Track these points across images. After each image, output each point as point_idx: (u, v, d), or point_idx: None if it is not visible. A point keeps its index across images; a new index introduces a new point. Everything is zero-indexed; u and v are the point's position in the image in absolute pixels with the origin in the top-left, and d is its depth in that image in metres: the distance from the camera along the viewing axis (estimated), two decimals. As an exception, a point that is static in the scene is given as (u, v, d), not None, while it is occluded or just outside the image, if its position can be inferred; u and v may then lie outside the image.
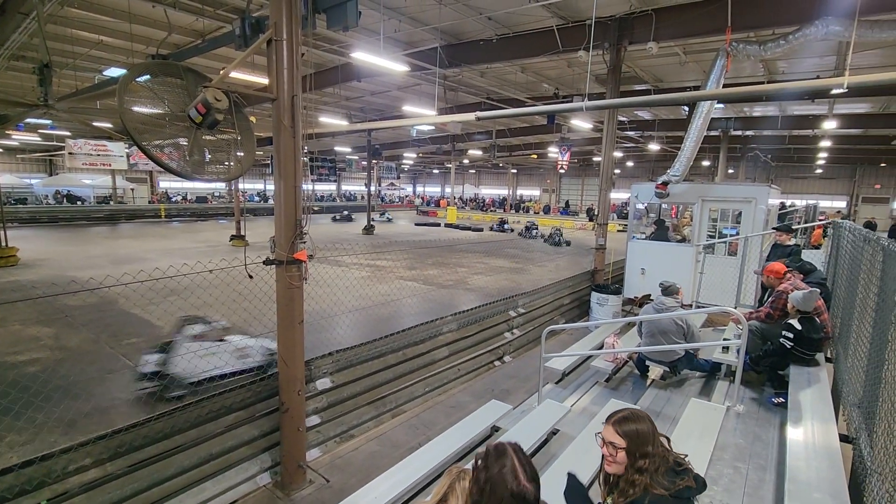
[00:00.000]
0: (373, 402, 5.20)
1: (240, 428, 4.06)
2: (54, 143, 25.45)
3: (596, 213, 11.21)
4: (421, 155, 35.05)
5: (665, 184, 8.59)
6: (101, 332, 8.00)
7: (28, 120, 17.87)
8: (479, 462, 1.52)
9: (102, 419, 5.18)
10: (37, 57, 10.13)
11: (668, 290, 5.01)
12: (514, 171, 45.14)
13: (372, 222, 24.88)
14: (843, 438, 3.27)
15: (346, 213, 32.95)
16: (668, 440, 1.84)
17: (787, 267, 5.16)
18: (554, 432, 4.25)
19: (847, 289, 4.67)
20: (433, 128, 20.85)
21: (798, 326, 4.25)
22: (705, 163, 25.87)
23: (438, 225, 30.32)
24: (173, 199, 36.33)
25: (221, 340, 5.64)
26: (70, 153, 20.97)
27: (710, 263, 7.68)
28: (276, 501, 4.01)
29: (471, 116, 5.75)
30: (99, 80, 13.42)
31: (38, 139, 25.70)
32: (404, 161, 39.09)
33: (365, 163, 28.06)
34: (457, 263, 15.22)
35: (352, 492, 3.37)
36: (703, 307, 6.53)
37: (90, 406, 5.45)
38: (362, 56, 8.63)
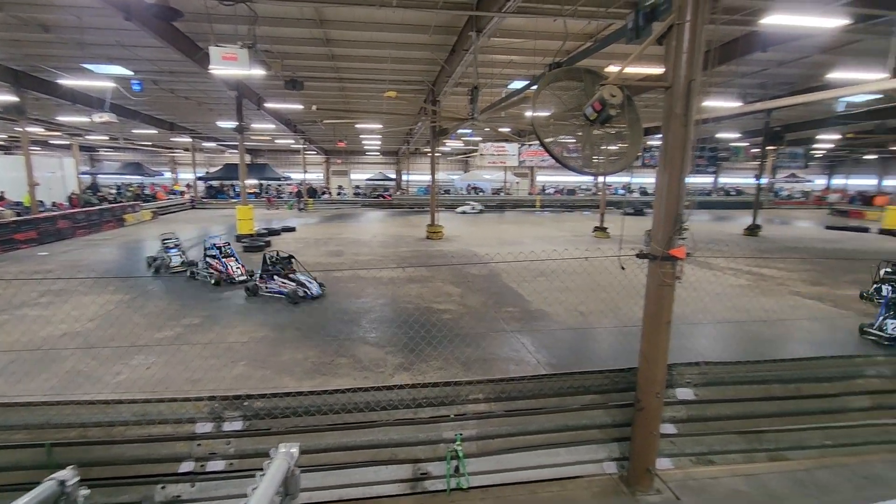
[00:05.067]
0: (744, 432, 4.38)
1: (594, 410, 4.23)
2: (471, 147, 33.35)
3: None
4: (848, 136, 26.45)
5: None
6: (489, 298, 9.96)
7: (458, 130, 23.83)
8: None
9: (486, 367, 6.48)
10: (469, 82, 13.43)
11: None
12: None
13: (756, 222, 20.90)
14: None
15: (639, 208, 29.33)
16: None
17: None
18: None
19: None
20: (878, 97, 15.25)
21: None
22: None
23: (865, 230, 22.37)
24: (547, 192, 41.22)
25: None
26: (481, 154, 26.88)
27: None
28: (619, 494, 3.99)
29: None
30: (506, 93, 16.49)
31: (461, 145, 34.12)
32: (817, 145, 30.54)
33: (756, 150, 23.53)
34: None
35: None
36: None
37: (479, 354, 6.92)
38: (778, 20, 7.11)
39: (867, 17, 7.93)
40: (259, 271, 10.14)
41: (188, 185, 39.04)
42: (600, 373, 4.22)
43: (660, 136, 3.62)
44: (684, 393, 4.28)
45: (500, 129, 21.20)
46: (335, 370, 6.33)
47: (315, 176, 43.43)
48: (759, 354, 5.89)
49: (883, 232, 21.34)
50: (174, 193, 37.61)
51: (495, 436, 4.09)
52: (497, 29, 10.29)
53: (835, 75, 11.36)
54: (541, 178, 43.42)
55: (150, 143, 35.88)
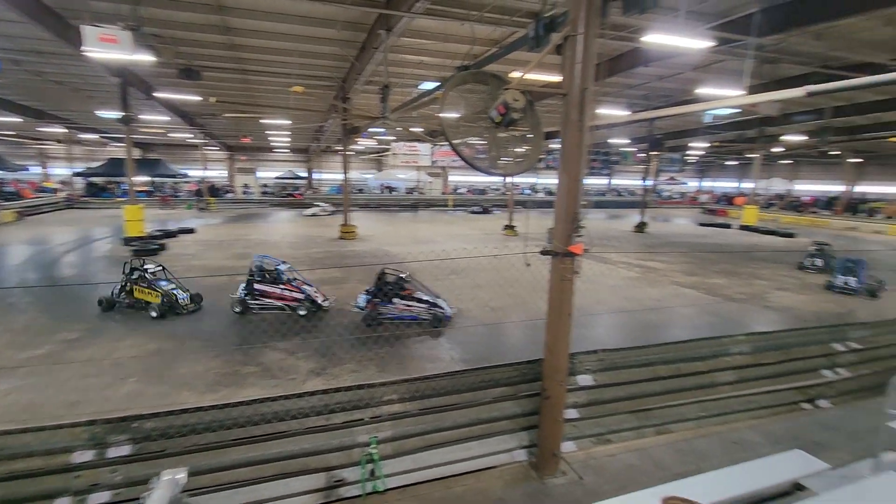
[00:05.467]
0: (635, 411, 4.84)
1: (505, 402, 4.41)
2: (384, 146, 33.10)
3: None
4: (715, 144, 30.19)
5: None
6: (406, 296, 9.96)
7: (370, 129, 23.53)
8: None
9: (402, 367, 6.49)
10: (380, 80, 13.32)
11: None
12: (859, 160, 33.81)
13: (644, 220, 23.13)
14: None
15: (486, 207, 31.90)
16: None
17: None
18: (901, 521, 3.05)
19: None
20: (737, 111, 17.65)
21: None
22: None
23: (729, 227, 25.79)
24: (459, 191, 42.24)
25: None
26: (394, 154, 26.75)
27: None
28: (529, 480, 4.20)
29: (798, 92, 4.54)
30: (417, 94, 16.60)
31: (375, 143, 33.75)
32: (691, 152, 34.52)
33: (642, 155, 26.05)
34: (753, 274, 12.63)
35: (605, 497, 3.23)
36: None
37: (394, 354, 6.91)
38: (656, 38, 7.92)
39: (728, 41, 9.14)
40: (365, 295, 8.39)
41: (63, 182, 34.24)
42: (509, 366, 4.41)
43: (560, 139, 3.87)
44: (585, 379, 4.62)
45: (412, 129, 21.30)
46: (241, 381, 5.94)
47: (217, 173, 40.30)
48: (647, 340, 6.54)
49: (743, 228, 24.73)
50: (45, 191, 32.76)
51: (411, 435, 4.10)
52: (407, 29, 10.30)
53: (703, 90, 12.91)
54: (453, 178, 44.24)
55: (12, 133, 30.85)
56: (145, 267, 8.92)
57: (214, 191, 33.85)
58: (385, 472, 3.88)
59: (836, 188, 36.76)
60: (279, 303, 8.68)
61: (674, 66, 13.41)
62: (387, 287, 8.24)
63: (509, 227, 20.63)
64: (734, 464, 3.65)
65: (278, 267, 9.02)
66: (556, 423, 4.25)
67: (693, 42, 8.25)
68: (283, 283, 8.77)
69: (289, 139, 35.14)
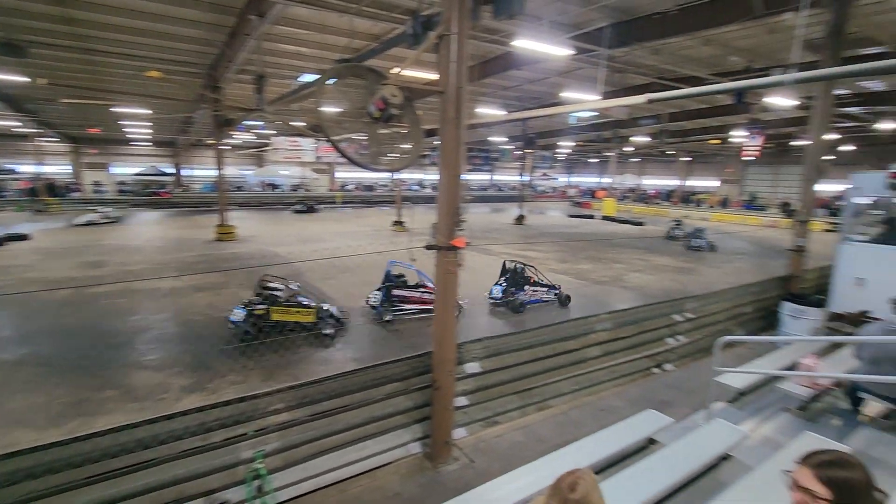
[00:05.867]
0: (519, 392, 5.20)
1: (397, 398, 4.43)
2: (263, 140, 30.93)
3: (795, 207, 9.39)
4: (579, 143, 33.52)
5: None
6: (293, 299, 9.49)
7: (246, 122, 21.90)
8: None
9: (292, 372, 6.19)
10: (254, 70, 12.44)
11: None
12: (689, 159, 40.22)
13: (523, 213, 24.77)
14: None
15: (310, 204, 30.36)
16: (887, 498, 1.43)
17: None
18: (725, 457, 3.72)
19: None
20: (595, 114, 19.77)
21: None
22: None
23: (592, 217, 28.85)
24: (347, 188, 41.27)
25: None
26: (275, 149, 25.20)
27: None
28: (424, 471, 4.29)
29: (641, 99, 5.26)
30: (295, 86, 15.81)
31: (253, 138, 31.47)
32: (559, 150, 37.88)
33: (519, 152, 27.90)
34: (612, 259, 14.28)
35: (495, 476, 3.43)
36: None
37: (281, 360, 6.56)
38: (524, 44, 8.53)
39: (584, 50, 10.19)
40: (500, 286, 9.26)
41: None
42: (400, 361, 4.43)
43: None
44: (472, 367, 4.83)
45: (292, 123, 20.22)
46: (98, 408, 5.17)
47: (59, 169, 34.03)
48: (528, 324, 7.06)
49: (604, 218, 27.85)
50: None
51: (301, 443, 3.93)
52: (281, 17, 9.75)
53: (567, 94, 14.25)
54: (340, 175, 43.01)
55: None
56: (273, 286, 7.77)
57: (54, 189, 28.73)
58: (276, 485, 3.67)
59: (673, 183, 43.21)
60: (418, 307, 8.55)
61: (541, 70, 14.56)
62: (517, 276, 9.36)
63: (398, 223, 20.69)
64: (602, 428, 4.13)
65: (414, 270, 8.47)
66: (448, 412, 4.39)
67: (555, 49, 9.05)
68: (423, 287, 8.60)
69: (150, 131, 31.07)
